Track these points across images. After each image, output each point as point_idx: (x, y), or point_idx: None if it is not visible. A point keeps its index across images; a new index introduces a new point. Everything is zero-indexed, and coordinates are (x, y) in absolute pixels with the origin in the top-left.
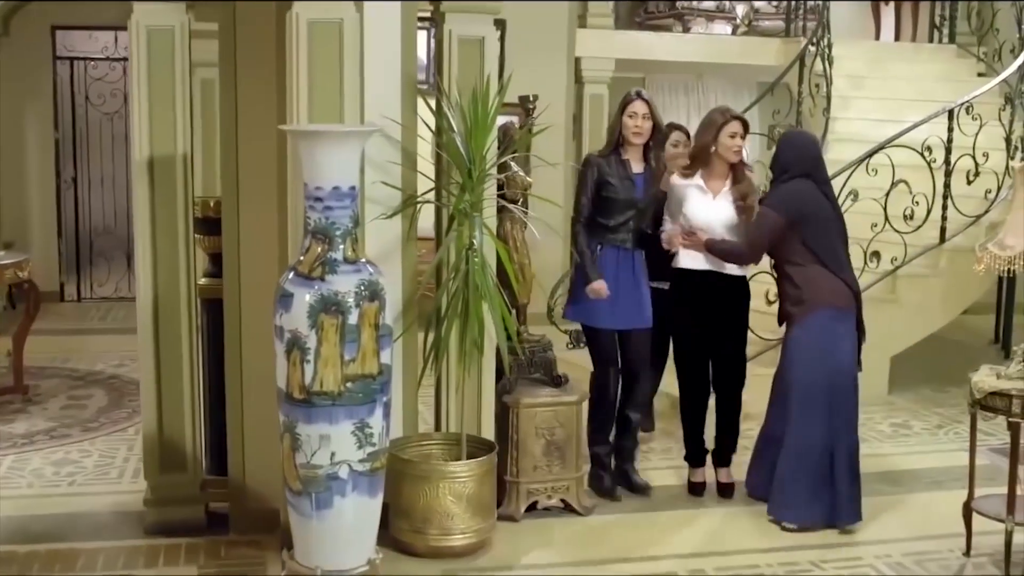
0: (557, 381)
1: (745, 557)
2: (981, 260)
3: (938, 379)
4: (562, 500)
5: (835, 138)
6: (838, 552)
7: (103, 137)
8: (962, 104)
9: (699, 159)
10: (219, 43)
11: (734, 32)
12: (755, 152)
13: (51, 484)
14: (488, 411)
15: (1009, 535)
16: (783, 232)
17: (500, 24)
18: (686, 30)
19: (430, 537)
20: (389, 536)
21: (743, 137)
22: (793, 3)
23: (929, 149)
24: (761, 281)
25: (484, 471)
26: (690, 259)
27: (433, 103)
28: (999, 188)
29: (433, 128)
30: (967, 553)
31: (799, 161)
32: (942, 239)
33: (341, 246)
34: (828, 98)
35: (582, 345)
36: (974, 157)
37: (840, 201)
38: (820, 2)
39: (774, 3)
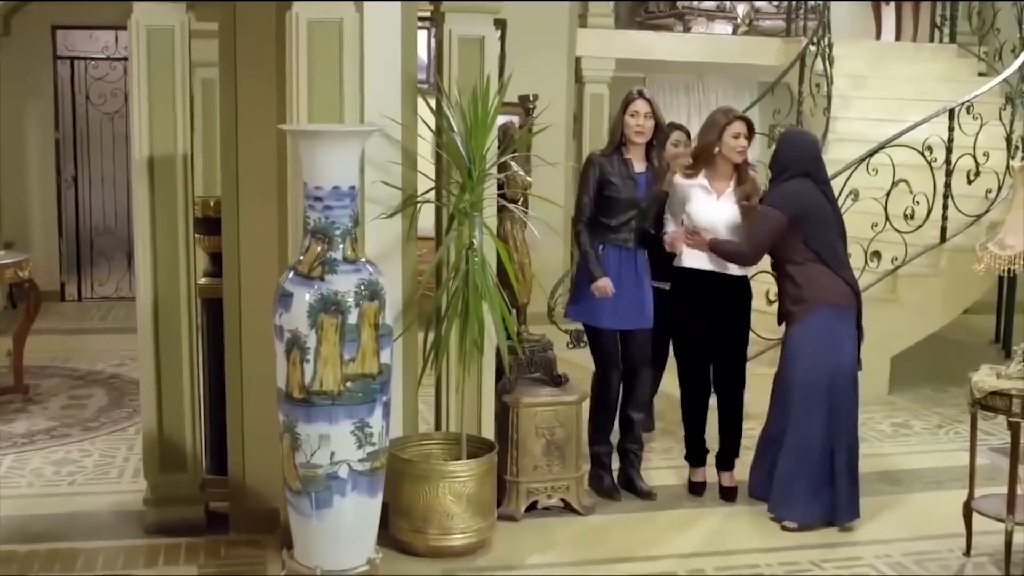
0: (557, 381)
1: (745, 557)
2: (981, 260)
3: (938, 379)
4: (562, 500)
5: (836, 138)
6: (838, 552)
7: (104, 137)
8: (963, 104)
9: (701, 159)
10: (219, 43)
11: (735, 32)
12: (756, 151)
13: (51, 483)
14: (488, 411)
15: (1009, 535)
16: (784, 230)
17: (500, 24)
18: (687, 30)
19: (430, 537)
20: (389, 536)
21: (747, 137)
22: (794, 3)
23: (930, 149)
24: (762, 280)
25: (484, 471)
26: (693, 258)
27: (433, 103)
28: (1000, 188)
29: (433, 128)
30: (967, 553)
31: (799, 160)
32: (943, 239)
33: (341, 246)
34: (829, 98)
35: (582, 345)
36: (975, 157)
37: (841, 201)
38: (821, 2)
39: (775, 3)
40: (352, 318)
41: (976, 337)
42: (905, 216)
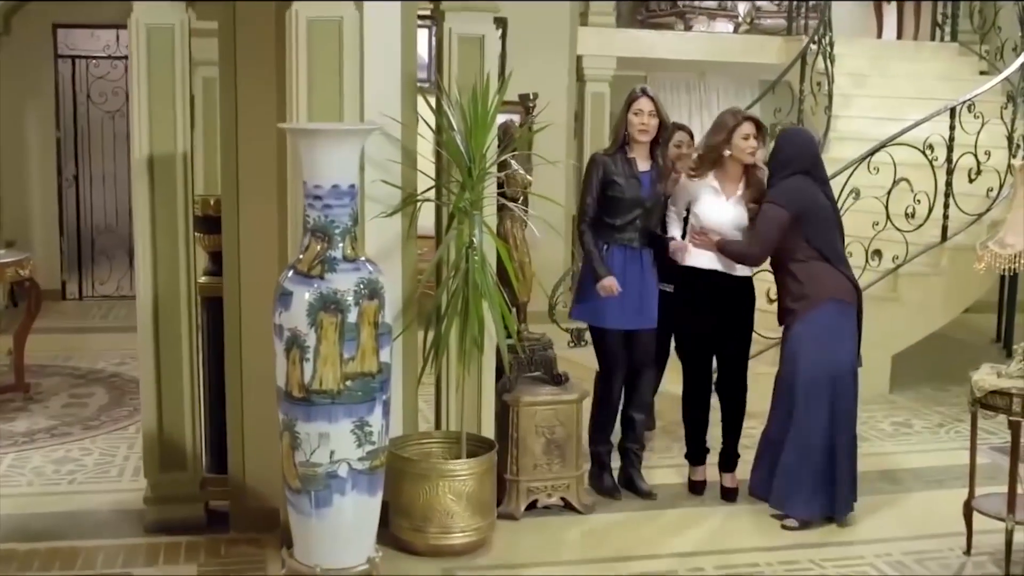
0: (557, 379)
1: (745, 556)
2: (982, 258)
3: (939, 378)
4: (562, 498)
5: (837, 136)
6: (838, 551)
7: (104, 135)
8: (964, 102)
9: (708, 160)
10: (219, 41)
11: (736, 30)
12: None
13: (51, 482)
14: (488, 409)
15: (1009, 534)
16: (787, 227)
17: (501, 22)
18: (688, 28)
19: (430, 535)
20: (389, 534)
21: (756, 138)
22: (795, 1)
23: (931, 147)
24: (763, 279)
25: (484, 469)
26: (700, 258)
27: (433, 101)
28: (1001, 186)
29: (433, 126)
30: (967, 552)
31: (798, 158)
32: (944, 237)
33: (340, 244)
34: (830, 96)
35: (584, 343)
36: (976, 155)
37: (842, 199)
38: (822, 0)
39: (776, 1)
40: (352, 317)
41: (977, 336)
42: (906, 215)
